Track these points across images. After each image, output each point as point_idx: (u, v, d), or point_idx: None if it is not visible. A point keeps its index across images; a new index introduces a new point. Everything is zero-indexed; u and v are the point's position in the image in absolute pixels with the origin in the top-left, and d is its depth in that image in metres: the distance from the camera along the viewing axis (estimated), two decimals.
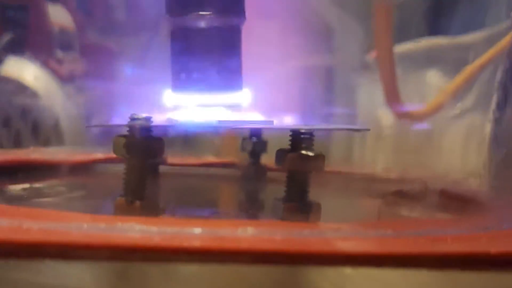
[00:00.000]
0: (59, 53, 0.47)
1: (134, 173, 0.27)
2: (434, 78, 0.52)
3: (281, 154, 0.28)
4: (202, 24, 0.32)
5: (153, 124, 0.27)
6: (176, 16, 0.33)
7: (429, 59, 0.50)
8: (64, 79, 0.48)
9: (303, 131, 0.28)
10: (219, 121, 0.29)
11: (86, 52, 0.48)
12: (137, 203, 0.26)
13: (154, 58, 0.44)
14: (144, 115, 0.27)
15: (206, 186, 0.40)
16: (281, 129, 0.28)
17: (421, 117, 0.48)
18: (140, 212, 0.26)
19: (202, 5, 0.32)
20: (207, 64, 0.33)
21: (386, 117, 0.51)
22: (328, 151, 0.51)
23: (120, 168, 0.27)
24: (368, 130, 0.28)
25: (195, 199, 0.35)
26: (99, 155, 0.43)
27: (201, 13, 0.32)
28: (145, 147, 0.27)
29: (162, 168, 0.39)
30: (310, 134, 0.28)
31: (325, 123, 0.32)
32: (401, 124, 0.50)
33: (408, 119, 0.48)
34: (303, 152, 0.27)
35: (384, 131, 0.53)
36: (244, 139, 0.41)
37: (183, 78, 0.33)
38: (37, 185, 0.38)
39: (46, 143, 0.46)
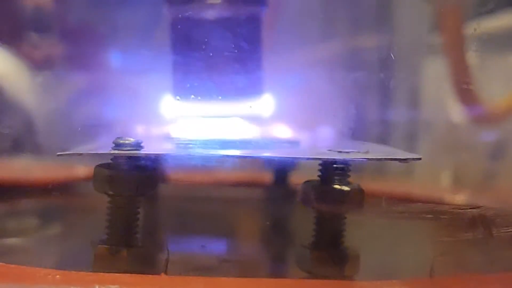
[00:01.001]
0: (33, 37, 0.48)
1: (120, 214, 0.27)
2: None
3: (307, 189, 0.28)
4: (210, 14, 0.33)
5: (143, 152, 0.27)
6: (178, 4, 0.33)
7: None
8: (40, 68, 0.49)
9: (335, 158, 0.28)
10: (226, 142, 0.29)
11: (68, 35, 0.49)
12: (123, 252, 0.27)
13: (156, 44, 0.45)
14: (132, 139, 0.27)
15: (216, 215, 0.40)
16: (308, 159, 0.28)
17: (500, 116, 0.48)
18: (127, 266, 0.27)
19: None
20: (217, 65, 0.33)
21: (458, 115, 0.51)
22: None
23: None
24: (419, 159, 0.28)
25: (200, 235, 0.35)
26: (84, 170, 0.43)
27: (209, 0, 0.33)
28: (134, 182, 0.27)
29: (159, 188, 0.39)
30: (345, 162, 0.28)
31: (363, 143, 0.32)
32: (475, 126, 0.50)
33: (482, 118, 0.48)
34: (336, 186, 0.28)
35: (456, 134, 0.53)
36: None
37: (187, 83, 0.34)
38: None
39: (13, 153, 0.47)
